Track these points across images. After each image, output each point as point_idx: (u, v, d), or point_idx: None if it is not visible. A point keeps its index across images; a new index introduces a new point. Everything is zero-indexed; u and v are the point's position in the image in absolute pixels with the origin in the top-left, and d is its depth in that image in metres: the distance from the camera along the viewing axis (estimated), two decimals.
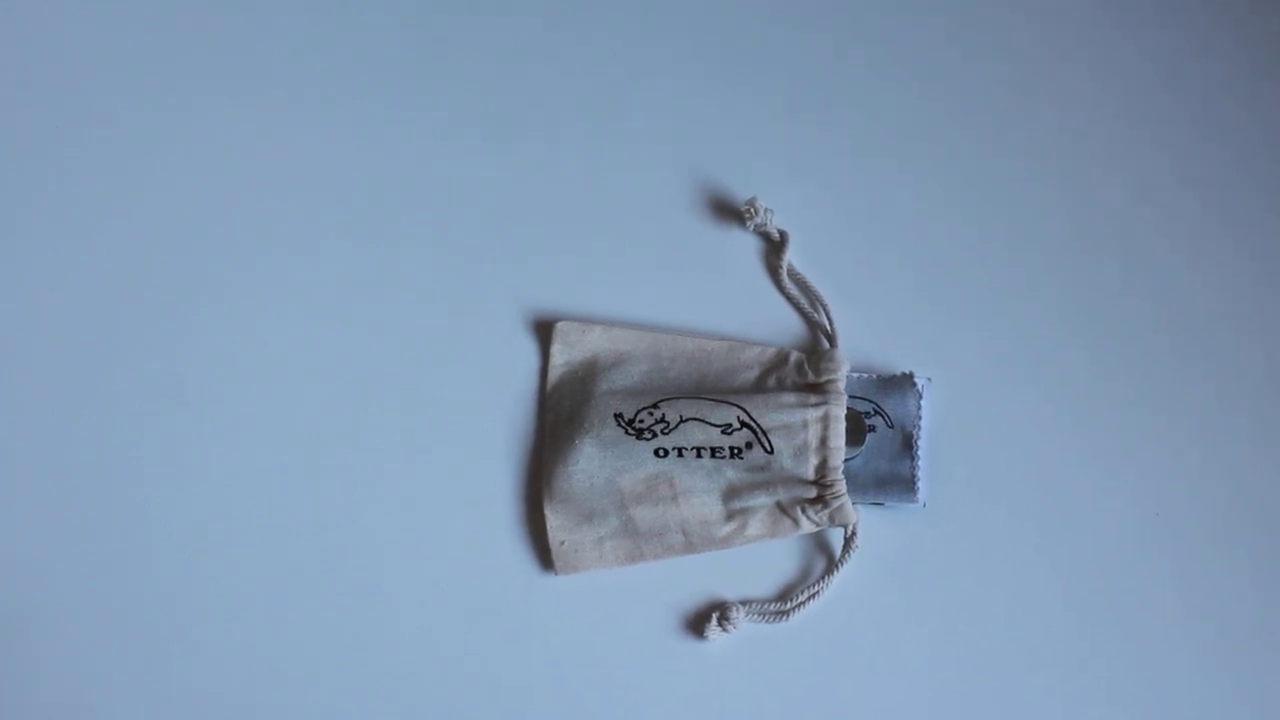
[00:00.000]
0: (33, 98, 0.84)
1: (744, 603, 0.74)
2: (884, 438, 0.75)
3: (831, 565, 0.75)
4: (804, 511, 0.74)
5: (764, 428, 0.74)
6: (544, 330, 0.79)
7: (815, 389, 0.75)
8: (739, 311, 0.79)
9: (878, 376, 0.76)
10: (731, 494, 0.74)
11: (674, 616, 0.75)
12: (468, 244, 0.81)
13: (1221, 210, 0.80)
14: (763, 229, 0.79)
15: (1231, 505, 0.75)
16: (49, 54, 0.85)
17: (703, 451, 0.74)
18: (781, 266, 0.78)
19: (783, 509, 0.74)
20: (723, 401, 0.75)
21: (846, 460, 0.74)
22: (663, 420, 0.75)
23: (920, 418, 0.75)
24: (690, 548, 0.75)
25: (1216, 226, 0.79)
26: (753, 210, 0.78)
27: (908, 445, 0.75)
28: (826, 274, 0.79)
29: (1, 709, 0.75)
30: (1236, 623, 0.74)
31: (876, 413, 0.75)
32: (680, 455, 0.74)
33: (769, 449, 0.74)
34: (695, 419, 0.74)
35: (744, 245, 0.80)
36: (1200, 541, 0.75)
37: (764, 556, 0.75)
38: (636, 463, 0.74)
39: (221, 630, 0.76)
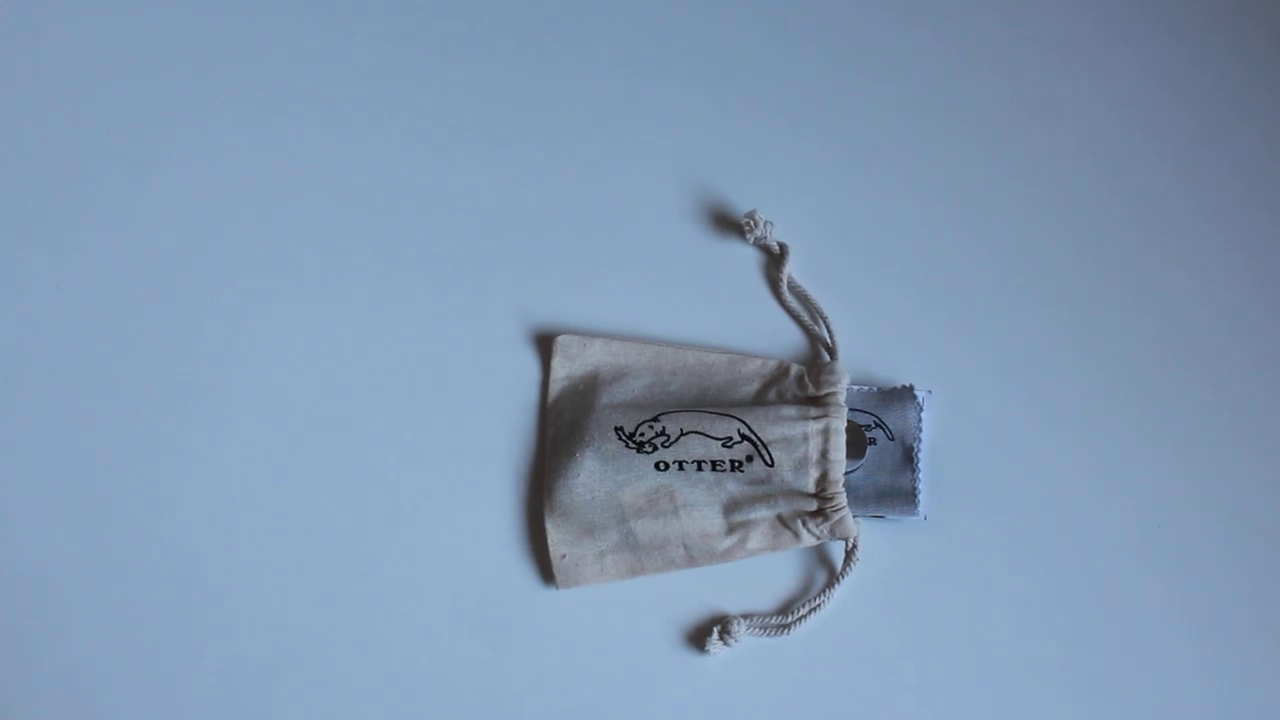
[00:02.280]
0: (36, 103, 0.84)
1: (745, 616, 0.74)
2: (884, 450, 0.75)
3: (832, 578, 0.74)
4: (805, 524, 0.73)
5: (764, 441, 0.74)
6: (545, 343, 0.78)
7: (816, 402, 0.75)
8: (739, 324, 0.79)
9: (878, 389, 0.76)
10: (732, 507, 0.74)
11: (675, 630, 0.75)
12: (468, 256, 0.81)
13: (1225, 222, 0.79)
14: (763, 242, 0.79)
15: (1234, 516, 0.75)
16: (52, 58, 0.85)
17: (703, 465, 0.74)
18: (782, 279, 0.78)
19: (783, 522, 0.74)
20: (723, 414, 0.75)
21: (847, 473, 0.74)
22: (663, 434, 0.75)
23: (921, 430, 0.75)
24: (691, 561, 0.75)
25: (1220, 239, 0.79)
26: (753, 223, 0.78)
27: (908, 458, 0.75)
28: (827, 286, 0.79)
29: (2, 709, 0.75)
30: (1239, 632, 0.74)
31: (877, 425, 0.75)
32: (681, 468, 0.74)
33: (769, 462, 0.74)
34: (696, 432, 0.74)
35: (744, 257, 0.80)
36: (1203, 554, 0.75)
37: (765, 570, 0.75)
38: (637, 476, 0.74)
39: (222, 637, 0.76)
